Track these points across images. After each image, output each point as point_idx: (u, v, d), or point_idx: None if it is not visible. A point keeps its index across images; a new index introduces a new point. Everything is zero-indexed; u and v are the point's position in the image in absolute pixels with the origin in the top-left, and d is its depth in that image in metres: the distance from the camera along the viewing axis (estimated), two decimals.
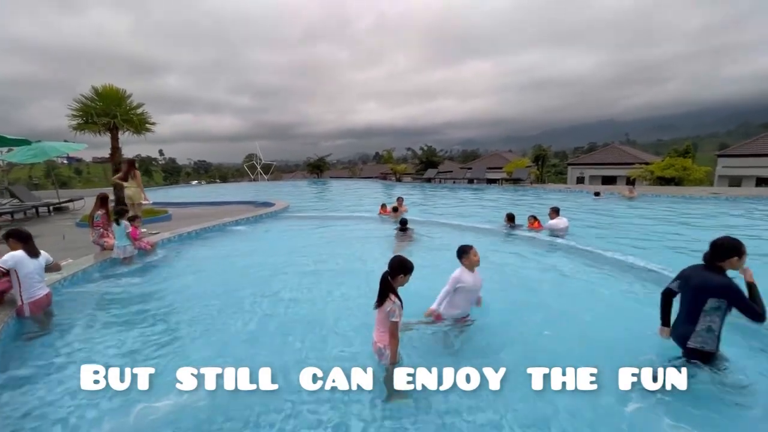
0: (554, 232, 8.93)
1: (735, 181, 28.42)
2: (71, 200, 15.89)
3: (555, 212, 9.38)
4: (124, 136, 11.31)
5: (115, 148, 11.21)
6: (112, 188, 11.42)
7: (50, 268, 4.67)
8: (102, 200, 7.47)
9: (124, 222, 6.84)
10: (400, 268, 3.07)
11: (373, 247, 8.33)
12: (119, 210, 7.13)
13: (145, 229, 9.16)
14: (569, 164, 42.33)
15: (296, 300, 5.22)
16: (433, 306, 4.07)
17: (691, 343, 3.07)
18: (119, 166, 11.42)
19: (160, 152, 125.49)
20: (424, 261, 7.07)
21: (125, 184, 9.16)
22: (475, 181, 26.60)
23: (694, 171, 23.19)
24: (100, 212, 7.33)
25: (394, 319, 2.97)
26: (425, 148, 39.61)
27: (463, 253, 4.08)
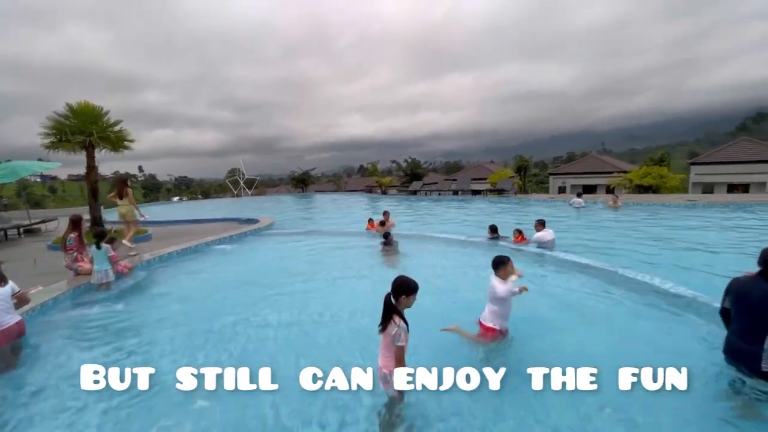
0: (541, 245, 8.93)
1: (708, 188, 29.50)
2: (44, 221, 15.21)
3: (541, 224, 9.33)
4: (101, 154, 10.92)
5: (91, 167, 10.79)
6: (88, 208, 10.97)
7: (18, 299, 4.33)
8: (74, 223, 7.08)
9: (105, 245, 6.50)
10: (401, 289, 2.91)
11: (362, 263, 8.15)
12: (99, 232, 6.77)
13: (133, 246, 9.14)
14: (550, 174, 43.24)
15: (285, 324, 4.99)
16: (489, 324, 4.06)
17: (765, 366, 2.78)
18: (95, 185, 11.02)
19: (140, 168, 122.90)
20: (414, 274, 7.03)
21: (119, 202, 9.21)
22: (460, 192, 26.82)
23: (670, 179, 23.99)
24: (72, 235, 6.94)
25: (399, 344, 2.82)
26: (409, 160, 39.92)
27: (501, 263, 4.10)
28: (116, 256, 6.81)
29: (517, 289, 4.09)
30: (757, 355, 2.79)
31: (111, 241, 6.84)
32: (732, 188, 28.46)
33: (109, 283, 6.53)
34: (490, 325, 4.08)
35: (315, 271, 7.55)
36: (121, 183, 9.34)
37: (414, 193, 29.04)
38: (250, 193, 39.52)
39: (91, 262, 6.62)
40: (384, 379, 2.95)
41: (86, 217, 11.46)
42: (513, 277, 4.08)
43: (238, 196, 39.03)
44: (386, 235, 9.46)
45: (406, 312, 2.94)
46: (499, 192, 25.07)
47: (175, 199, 54.28)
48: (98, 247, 6.45)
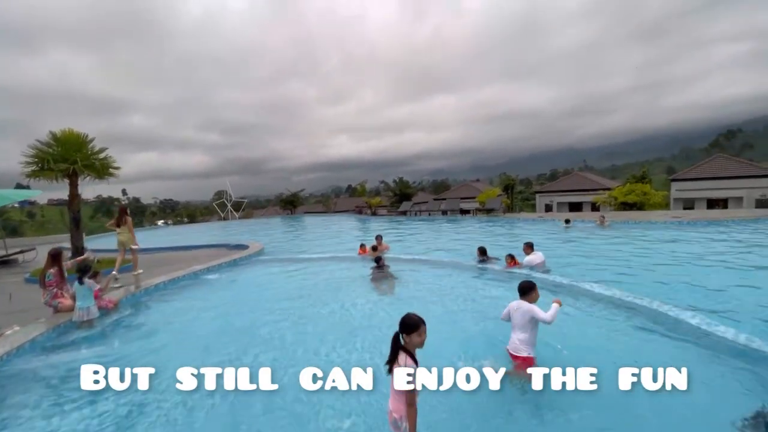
0: (532, 268, 8.89)
1: (689, 204, 30.34)
2: (21, 251, 14.59)
3: (529, 247, 9.32)
4: (85, 180, 10.64)
5: (74, 195, 10.48)
6: (69, 236, 10.59)
7: None
8: (54, 257, 6.73)
9: (88, 280, 6.20)
10: (406, 327, 2.77)
11: (356, 292, 7.95)
12: (83, 267, 6.45)
13: (117, 275, 9.03)
14: (537, 192, 44.00)
15: (280, 364, 4.73)
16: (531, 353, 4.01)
17: None
18: (77, 214, 10.69)
19: (123, 192, 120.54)
20: (408, 299, 6.90)
21: (118, 230, 9.52)
22: (449, 212, 26.94)
23: (653, 196, 24.62)
24: (52, 270, 6.60)
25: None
26: (398, 180, 40.19)
27: (530, 289, 4.15)
28: (99, 291, 6.50)
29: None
30: None
31: (95, 275, 6.54)
32: (712, 203, 29.32)
33: (91, 321, 6.19)
34: (525, 355, 3.98)
35: (308, 302, 7.29)
36: (122, 211, 9.66)
37: (404, 213, 29.05)
38: (237, 216, 38.97)
39: (73, 298, 6.30)
40: (395, 424, 2.77)
41: (67, 245, 11.06)
42: (555, 305, 4.02)
43: (225, 219, 38.43)
44: (378, 260, 9.39)
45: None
46: (488, 211, 25.27)
47: (160, 222, 53.13)
48: (81, 282, 6.15)
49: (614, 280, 8.06)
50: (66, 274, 6.88)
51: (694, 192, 30.66)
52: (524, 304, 4.08)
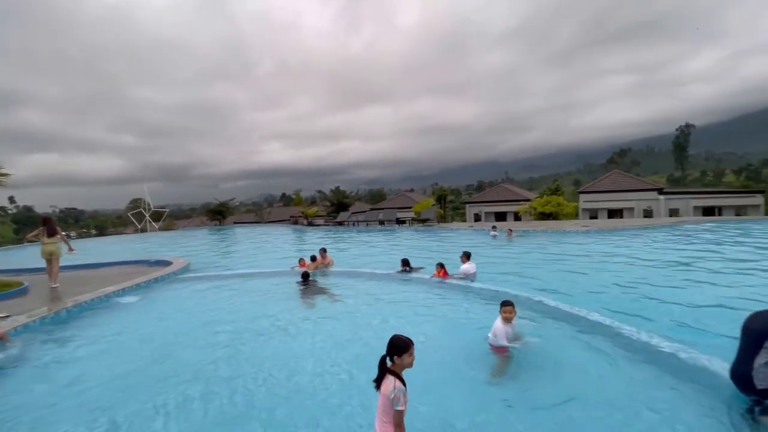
0: (466, 277, 9.25)
1: (594, 214, 34.42)
2: None
3: (466, 257, 9.61)
4: None
5: None
6: None
7: None
8: None
9: None
10: (394, 349, 2.79)
11: (295, 309, 7.65)
12: None
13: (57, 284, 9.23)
14: (466, 203, 46.69)
15: (213, 396, 4.33)
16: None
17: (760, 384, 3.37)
18: None
19: (11, 200, 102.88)
20: (337, 314, 6.80)
21: (46, 240, 9.37)
22: (386, 222, 27.37)
23: (565, 206, 27.55)
24: None
25: (399, 408, 2.68)
26: (334, 189, 39.95)
27: (504, 306, 5.13)
28: None
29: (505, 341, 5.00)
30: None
31: None
32: (611, 213, 33.62)
33: None
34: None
35: (240, 325, 6.75)
36: (50, 221, 9.67)
37: (341, 223, 28.87)
38: (157, 226, 35.45)
39: None
40: None
41: None
42: (505, 326, 5.07)
43: (143, 230, 34.72)
44: (305, 275, 9.29)
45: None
46: (423, 221, 26.16)
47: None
48: None
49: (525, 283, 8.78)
50: None
51: (597, 203, 34.91)
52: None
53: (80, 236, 42.32)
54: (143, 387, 4.64)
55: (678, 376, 4.20)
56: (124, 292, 9.11)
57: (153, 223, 35.25)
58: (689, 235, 16.18)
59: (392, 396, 2.67)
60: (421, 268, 10.10)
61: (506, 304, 5.08)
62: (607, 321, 5.67)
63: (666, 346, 4.70)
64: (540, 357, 4.96)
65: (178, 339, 6.29)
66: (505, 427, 3.61)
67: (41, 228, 9.52)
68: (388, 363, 2.82)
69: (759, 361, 3.37)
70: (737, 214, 29.36)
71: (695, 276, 9.13)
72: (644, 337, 5.02)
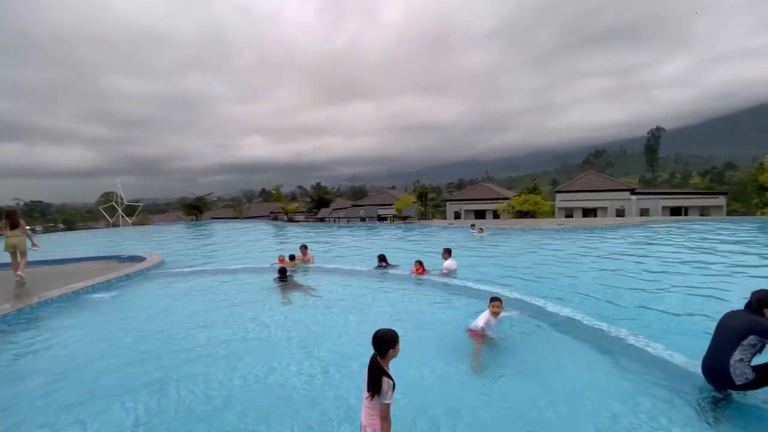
0: (449, 273, 9.40)
1: (569, 212, 35.43)
2: None
3: (448, 253, 9.74)
4: None
5: None
6: None
7: None
8: None
9: None
10: (387, 342, 2.82)
11: (272, 305, 7.59)
12: None
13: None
14: (447, 201, 47.24)
15: (187, 394, 4.26)
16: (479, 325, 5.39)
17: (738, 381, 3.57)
18: None
19: None
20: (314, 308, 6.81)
21: (8, 233, 9.22)
22: (367, 219, 27.37)
23: (542, 205, 28.25)
24: None
25: (386, 401, 2.72)
26: (315, 185, 39.62)
27: (492, 302, 5.53)
28: None
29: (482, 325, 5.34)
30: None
31: None
32: (586, 212, 34.69)
33: None
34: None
35: (217, 321, 6.65)
36: (13, 214, 9.44)
37: (322, 220, 28.67)
38: (130, 221, 34.27)
39: None
40: None
41: None
42: (493, 318, 5.43)
43: (115, 225, 33.50)
44: (282, 271, 9.22)
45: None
46: (404, 218, 26.29)
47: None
48: None
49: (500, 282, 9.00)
50: None
51: (572, 202, 35.96)
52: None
53: (47, 231, 40.45)
54: (112, 386, 4.51)
55: (642, 366, 4.42)
56: (93, 288, 8.80)
57: (126, 218, 34.05)
58: (656, 233, 16.88)
59: (382, 390, 2.72)
60: (397, 265, 10.18)
61: (495, 300, 5.51)
62: (578, 315, 5.90)
63: (632, 339, 4.93)
64: (511, 348, 5.13)
65: (151, 336, 6.14)
66: (476, 414, 3.72)
67: (4, 221, 9.28)
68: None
69: (735, 357, 3.53)
70: (701, 214, 30.82)
71: (661, 271, 9.55)
72: (613, 330, 5.25)
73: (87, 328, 6.56)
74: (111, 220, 34.19)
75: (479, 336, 5.34)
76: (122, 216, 33.70)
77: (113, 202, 34.05)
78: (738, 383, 3.55)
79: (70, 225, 46.95)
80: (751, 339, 3.50)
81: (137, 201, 40.61)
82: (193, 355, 5.33)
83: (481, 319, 5.41)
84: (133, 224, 34.08)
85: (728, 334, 3.67)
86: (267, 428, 3.64)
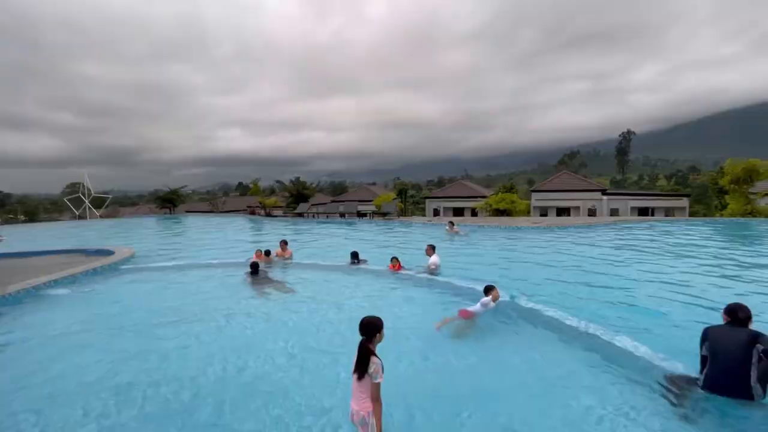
0: (436, 268, 9.46)
1: (544, 211, 36.40)
2: None
3: (432, 249, 9.81)
4: None
5: None
6: None
7: None
8: None
9: None
10: (374, 328, 3.03)
11: (244, 300, 7.46)
12: None
13: None
14: (426, 198, 47.57)
15: (161, 395, 4.12)
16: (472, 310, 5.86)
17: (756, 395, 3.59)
18: None
19: None
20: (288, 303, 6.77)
21: None
22: (347, 215, 27.24)
23: (519, 204, 28.88)
24: None
25: (377, 380, 2.86)
26: (295, 180, 39.10)
27: (491, 289, 6.13)
28: None
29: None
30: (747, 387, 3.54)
31: None
32: (560, 211, 35.74)
33: None
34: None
35: (188, 317, 6.48)
36: None
37: (301, 215, 28.35)
38: (98, 214, 32.83)
39: None
40: (362, 422, 2.89)
41: None
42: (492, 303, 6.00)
43: (81, 218, 32.01)
44: (254, 265, 9.15)
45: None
46: (384, 215, 26.32)
47: None
48: None
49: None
50: None
51: (547, 201, 36.97)
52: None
53: (6, 222, 38.21)
54: (77, 388, 4.31)
55: (610, 360, 4.61)
56: (56, 283, 8.39)
57: (94, 210, 32.61)
58: (624, 232, 17.58)
59: (371, 370, 2.86)
60: (366, 260, 10.31)
61: (493, 289, 6.12)
62: (550, 311, 6.08)
63: (601, 332, 5.13)
64: (487, 340, 5.25)
65: (119, 333, 5.90)
66: (451, 404, 3.79)
67: None
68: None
69: (753, 378, 3.52)
70: (666, 215, 32.32)
71: (628, 267, 9.95)
72: (582, 325, 5.45)
73: (49, 326, 6.24)
74: (77, 213, 32.65)
75: (469, 315, 5.84)
76: (89, 208, 32.23)
77: (80, 194, 32.51)
78: (756, 399, 3.58)
79: (32, 217, 44.45)
80: (754, 352, 3.53)
81: (106, 193, 38.86)
82: (164, 350, 5.18)
83: (481, 304, 5.92)
84: (102, 217, 32.67)
85: (738, 348, 3.61)
86: (240, 423, 3.59)
